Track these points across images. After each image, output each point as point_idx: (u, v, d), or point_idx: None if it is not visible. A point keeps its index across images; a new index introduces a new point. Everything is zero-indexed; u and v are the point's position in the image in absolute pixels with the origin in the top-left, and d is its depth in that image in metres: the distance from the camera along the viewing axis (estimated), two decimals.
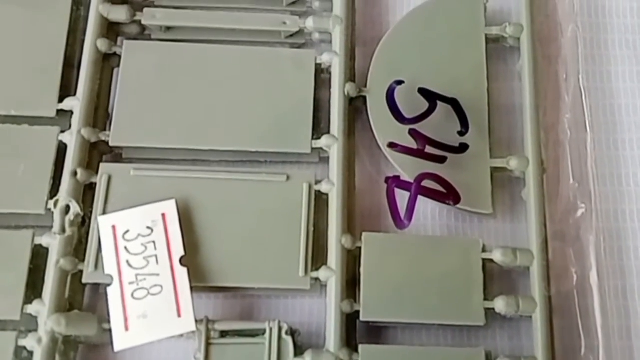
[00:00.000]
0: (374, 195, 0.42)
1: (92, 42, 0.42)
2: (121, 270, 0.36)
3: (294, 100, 0.42)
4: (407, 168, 0.40)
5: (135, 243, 0.37)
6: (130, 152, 0.42)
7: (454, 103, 0.41)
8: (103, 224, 0.37)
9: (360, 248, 0.39)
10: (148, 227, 0.37)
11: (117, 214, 0.38)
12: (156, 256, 0.37)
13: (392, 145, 0.40)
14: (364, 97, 0.43)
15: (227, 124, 0.41)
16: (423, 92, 0.41)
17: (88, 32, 0.43)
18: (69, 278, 0.38)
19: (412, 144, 0.40)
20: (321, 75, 0.44)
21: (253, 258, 0.38)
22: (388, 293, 0.38)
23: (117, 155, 0.42)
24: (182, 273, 0.36)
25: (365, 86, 0.43)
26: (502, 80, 0.45)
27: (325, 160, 0.42)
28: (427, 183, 0.39)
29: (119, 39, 0.45)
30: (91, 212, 0.39)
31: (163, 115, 0.41)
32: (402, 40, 0.44)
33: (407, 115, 0.40)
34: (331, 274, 0.38)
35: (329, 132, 0.42)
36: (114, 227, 0.37)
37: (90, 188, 0.40)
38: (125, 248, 0.37)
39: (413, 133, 0.40)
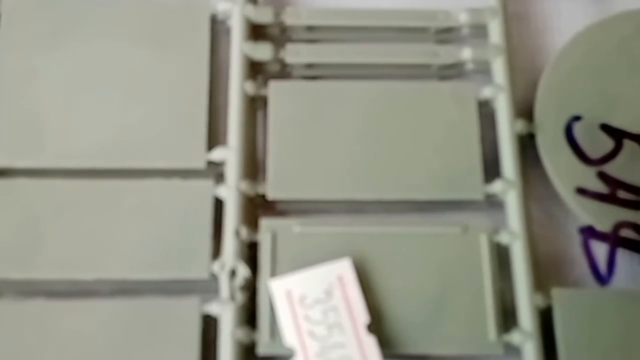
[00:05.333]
0: (549, 242, 0.39)
1: (239, 85, 0.39)
2: (304, 341, 0.33)
3: (457, 140, 0.39)
4: (598, 216, 0.36)
5: (315, 310, 0.34)
6: (284, 204, 0.39)
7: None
8: (277, 289, 0.34)
9: (549, 305, 0.36)
10: (325, 291, 0.34)
11: (290, 278, 0.35)
12: (340, 324, 0.34)
13: (581, 191, 0.36)
14: (530, 134, 0.40)
15: (390, 170, 0.38)
16: (606, 128, 0.38)
17: (233, 74, 0.39)
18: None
19: (599, 187, 0.37)
20: (481, 110, 0.40)
21: (438, 321, 0.35)
22: (590, 358, 0.35)
23: (268, 208, 0.39)
24: (370, 342, 0.33)
25: (530, 121, 0.40)
26: None
27: (494, 204, 0.39)
28: (623, 232, 0.36)
29: (258, 77, 0.42)
30: (254, 274, 0.36)
31: (320, 163, 0.38)
32: (569, 67, 0.40)
33: (591, 155, 0.37)
34: (526, 338, 0.35)
35: (498, 175, 0.38)
36: (289, 293, 0.34)
37: (248, 247, 0.37)
38: (305, 316, 0.34)
39: (602, 176, 0.36)
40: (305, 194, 0.38)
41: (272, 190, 0.38)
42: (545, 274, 0.38)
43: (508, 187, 0.38)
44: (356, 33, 0.42)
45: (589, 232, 0.35)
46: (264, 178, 0.38)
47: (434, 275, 0.36)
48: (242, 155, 0.38)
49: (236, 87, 0.39)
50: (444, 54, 0.41)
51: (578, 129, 0.38)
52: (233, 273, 0.35)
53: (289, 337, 0.34)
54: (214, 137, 0.39)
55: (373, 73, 0.42)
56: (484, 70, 0.41)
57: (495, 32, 0.41)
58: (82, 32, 0.41)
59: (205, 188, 0.37)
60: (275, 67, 0.41)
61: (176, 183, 0.38)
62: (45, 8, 0.41)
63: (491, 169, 0.39)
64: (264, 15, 0.41)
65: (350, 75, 0.42)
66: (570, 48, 0.41)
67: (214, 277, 0.36)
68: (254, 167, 0.40)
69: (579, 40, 0.41)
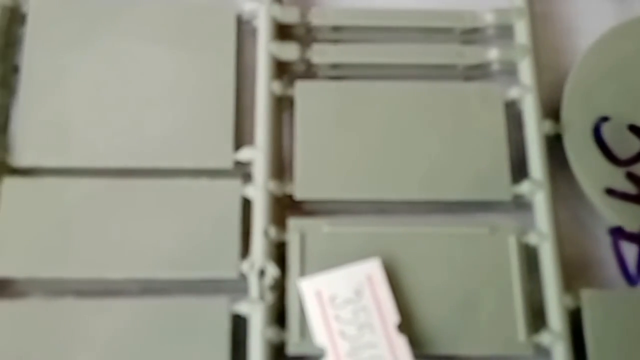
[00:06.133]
0: (576, 243, 0.39)
1: (266, 85, 0.39)
2: (335, 341, 0.33)
3: (484, 141, 0.39)
4: (626, 216, 0.36)
5: (345, 310, 0.34)
6: (311, 204, 0.39)
7: None
8: (307, 289, 0.34)
9: (578, 307, 0.36)
10: (355, 291, 0.34)
11: (320, 278, 0.35)
12: (370, 324, 0.34)
13: (610, 192, 0.36)
14: (557, 135, 0.40)
15: (417, 171, 0.38)
16: (634, 129, 0.38)
17: (259, 74, 0.40)
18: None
19: (627, 188, 0.37)
20: (507, 111, 0.40)
21: (468, 321, 0.35)
22: (620, 358, 0.34)
23: (295, 208, 0.39)
24: (401, 342, 0.33)
25: (557, 121, 0.40)
26: None
27: (522, 205, 0.39)
28: None
29: (284, 77, 0.42)
30: (282, 274, 0.36)
31: (347, 163, 0.38)
32: (595, 68, 0.40)
33: (620, 155, 0.37)
34: (556, 338, 0.35)
35: (526, 176, 0.38)
36: (319, 293, 0.34)
37: (276, 246, 0.37)
38: (336, 316, 0.34)
39: (631, 176, 0.36)
40: (332, 194, 0.38)
41: (300, 190, 0.38)
42: (573, 275, 0.38)
43: (536, 188, 0.38)
44: (382, 33, 0.42)
45: (618, 233, 0.35)
46: (290, 178, 0.38)
47: (463, 275, 0.36)
48: (270, 155, 0.38)
49: (263, 87, 0.39)
50: (470, 55, 0.41)
51: (605, 130, 0.38)
52: (262, 273, 0.36)
53: (320, 337, 0.34)
54: (241, 137, 0.39)
55: (399, 73, 0.42)
56: (510, 71, 0.41)
57: (522, 32, 0.41)
58: (109, 33, 0.41)
59: (233, 188, 0.37)
60: (301, 67, 0.41)
61: (204, 183, 0.38)
62: (71, 8, 0.41)
63: (518, 170, 0.39)
64: (290, 16, 0.41)
65: (376, 76, 0.42)
66: (597, 48, 0.41)
67: (243, 277, 0.36)
68: (280, 167, 0.40)
69: (605, 41, 0.41)
